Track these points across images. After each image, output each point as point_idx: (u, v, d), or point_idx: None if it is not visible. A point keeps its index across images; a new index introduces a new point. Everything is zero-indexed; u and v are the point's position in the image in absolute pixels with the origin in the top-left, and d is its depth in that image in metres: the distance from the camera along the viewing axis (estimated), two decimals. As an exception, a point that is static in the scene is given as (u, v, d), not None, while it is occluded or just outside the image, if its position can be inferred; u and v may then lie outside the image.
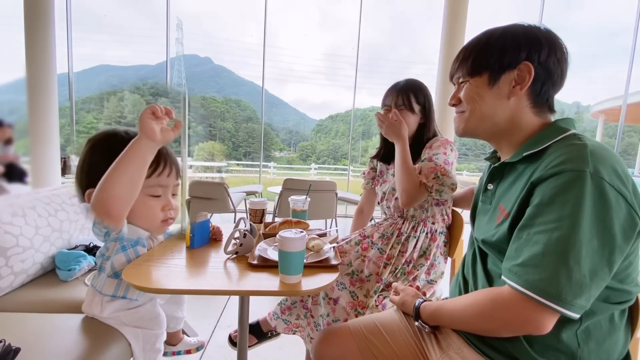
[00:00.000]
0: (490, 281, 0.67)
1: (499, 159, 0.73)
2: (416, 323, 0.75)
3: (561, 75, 0.62)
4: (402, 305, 0.82)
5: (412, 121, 1.18)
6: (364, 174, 1.44)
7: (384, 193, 1.28)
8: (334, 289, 1.11)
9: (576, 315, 0.50)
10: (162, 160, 0.79)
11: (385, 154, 1.31)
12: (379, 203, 1.34)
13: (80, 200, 0.76)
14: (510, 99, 0.62)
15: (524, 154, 0.60)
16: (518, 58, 0.60)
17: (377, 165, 1.38)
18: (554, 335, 0.56)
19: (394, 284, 0.91)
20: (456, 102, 0.70)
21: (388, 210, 1.27)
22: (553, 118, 0.66)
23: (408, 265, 1.14)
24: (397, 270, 1.13)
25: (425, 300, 0.76)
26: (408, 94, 1.17)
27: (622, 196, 0.50)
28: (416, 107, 1.18)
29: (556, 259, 0.49)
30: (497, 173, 0.69)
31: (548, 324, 0.52)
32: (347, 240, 1.26)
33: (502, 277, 0.57)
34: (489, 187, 0.71)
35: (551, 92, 0.63)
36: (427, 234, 1.17)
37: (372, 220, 1.40)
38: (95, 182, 0.69)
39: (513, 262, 0.54)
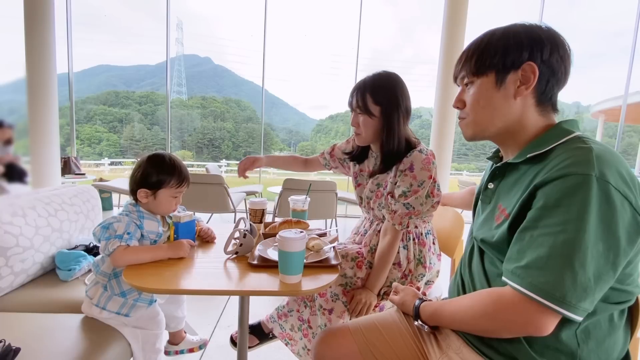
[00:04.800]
0: (488, 280, 0.67)
1: (501, 158, 0.73)
2: (416, 323, 0.75)
3: (565, 72, 0.62)
4: (402, 305, 0.82)
5: (370, 125, 1.03)
6: (324, 154, 1.32)
7: (361, 199, 1.19)
8: (328, 300, 1.07)
9: (579, 318, 0.50)
10: (184, 180, 1.01)
11: (360, 154, 1.20)
12: (360, 205, 1.24)
13: (131, 195, 1.00)
14: (517, 98, 0.62)
15: (528, 156, 0.60)
16: (521, 58, 0.60)
17: (351, 163, 1.25)
18: (554, 335, 0.56)
19: (394, 284, 0.90)
20: (460, 105, 0.69)
21: (368, 215, 1.21)
22: (556, 118, 0.66)
23: (406, 279, 1.11)
24: (391, 284, 1.12)
25: (425, 300, 0.76)
26: (364, 94, 1.01)
27: (627, 200, 0.50)
28: (374, 109, 1.01)
29: (561, 262, 0.49)
30: (499, 172, 0.69)
31: (550, 326, 0.52)
32: (343, 247, 1.17)
33: (504, 278, 0.57)
34: (489, 186, 0.71)
35: (555, 90, 0.63)
36: (414, 240, 1.11)
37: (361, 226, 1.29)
38: (146, 184, 0.97)
39: (516, 264, 0.54)
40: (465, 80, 0.68)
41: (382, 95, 1.01)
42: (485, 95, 0.64)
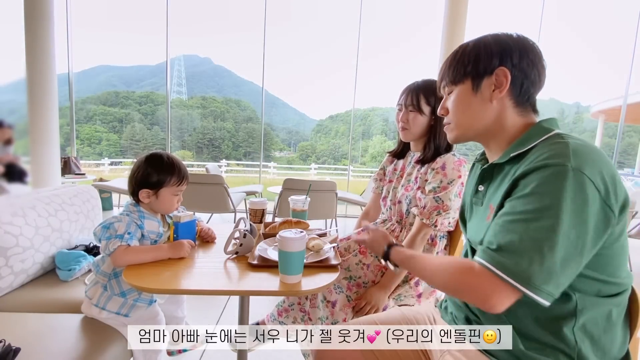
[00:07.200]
0: None
1: (487, 160, 0.75)
2: (383, 262, 0.80)
3: (538, 75, 0.65)
4: (372, 246, 0.85)
5: (420, 122, 1.14)
6: (375, 178, 1.39)
7: (388, 192, 1.27)
8: (332, 291, 1.10)
9: (545, 302, 0.51)
10: (184, 178, 1.03)
11: (401, 151, 1.30)
12: (383, 199, 1.30)
13: (130, 195, 1.01)
14: (493, 101, 0.66)
15: (511, 155, 0.63)
16: (492, 64, 0.65)
17: (387, 165, 1.35)
18: (553, 334, 0.57)
19: (364, 223, 0.94)
20: (444, 112, 0.74)
21: (387, 211, 1.26)
22: (537, 118, 0.69)
23: (410, 273, 1.13)
24: (405, 279, 1.13)
25: (396, 245, 0.80)
26: (418, 95, 1.13)
27: (599, 192, 0.52)
28: (425, 109, 1.13)
29: (531, 246, 0.51)
30: (487, 174, 0.72)
31: (507, 303, 0.53)
32: (345, 240, 1.25)
33: (475, 257, 0.58)
34: (479, 189, 0.73)
35: (532, 91, 0.66)
36: (428, 240, 1.14)
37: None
38: (147, 185, 0.97)
39: (488, 246, 0.56)
40: (446, 89, 0.73)
41: (432, 97, 1.13)
42: (463, 101, 0.69)
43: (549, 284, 0.51)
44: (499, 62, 0.64)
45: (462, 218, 0.81)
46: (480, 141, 0.73)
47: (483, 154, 0.77)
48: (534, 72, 0.64)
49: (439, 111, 0.76)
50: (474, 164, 0.81)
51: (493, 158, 0.70)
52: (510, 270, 0.52)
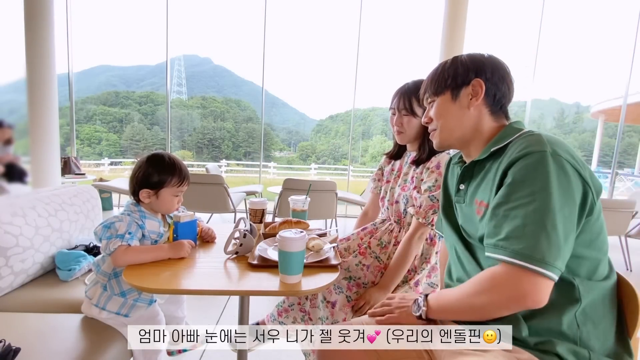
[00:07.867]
0: (479, 265, 0.70)
1: (465, 162, 0.80)
2: (423, 305, 0.72)
3: (508, 88, 0.75)
4: (403, 310, 0.78)
5: (414, 124, 1.13)
6: (373, 178, 1.39)
7: (386, 192, 1.27)
8: (331, 292, 1.10)
9: (556, 277, 0.55)
10: (185, 179, 1.03)
11: (398, 152, 1.30)
12: (381, 199, 1.31)
13: (131, 195, 1.02)
14: (470, 109, 0.74)
15: (492, 150, 0.69)
16: (468, 77, 0.74)
17: (384, 166, 1.35)
18: (556, 320, 0.60)
19: (384, 302, 0.84)
20: (428, 120, 0.81)
21: (386, 211, 1.26)
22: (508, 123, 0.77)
23: (410, 273, 1.13)
24: (405, 279, 1.14)
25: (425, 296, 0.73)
26: (410, 97, 1.12)
27: (577, 171, 0.58)
28: (418, 111, 1.12)
29: (536, 227, 0.55)
30: (468, 173, 0.77)
31: (544, 294, 0.56)
32: (345, 241, 1.25)
33: (487, 253, 0.61)
34: (460, 188, 0.78)
35: (504, 102, 0.75)
36: (426, 240, 1.15)
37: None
38: (147, 185, 0.97)
39: (497, 238, 0.60)
40: (429, 100, 0.81)
41: None
42: (444, 108, 0.77)
43: (558, 259, 0.55)
44: (475, 75, 0.73)
45: (447, 215, 0.82)
46: (460, 147, 0.80)
47: (460, 157, 0.83)
48: (504, 86, 0.74)
49: (423, 120, 0.83)
50: (449, 165, 0.86)
51: (472, 158, 0.76)
52: (524, 254, 0.55)
